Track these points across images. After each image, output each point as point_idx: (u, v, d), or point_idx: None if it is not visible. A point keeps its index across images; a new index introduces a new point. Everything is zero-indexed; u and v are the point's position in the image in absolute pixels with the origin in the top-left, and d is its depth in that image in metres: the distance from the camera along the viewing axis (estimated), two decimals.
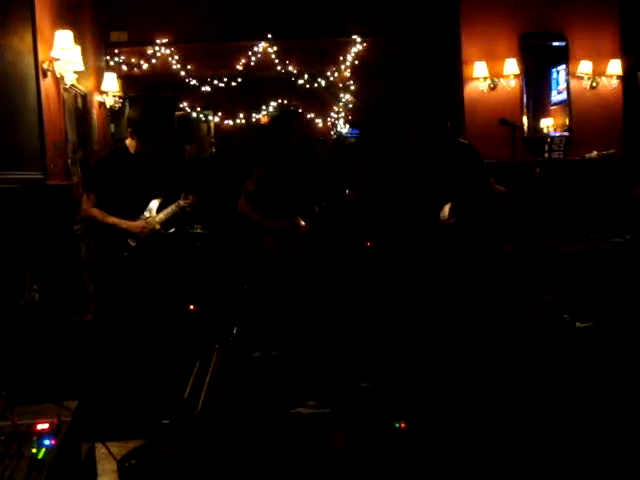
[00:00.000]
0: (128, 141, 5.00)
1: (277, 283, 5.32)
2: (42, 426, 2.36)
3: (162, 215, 4.99)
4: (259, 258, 5.50)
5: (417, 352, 5.20)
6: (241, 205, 5.42)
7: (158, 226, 4.94)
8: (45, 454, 2.18)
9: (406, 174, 5.32)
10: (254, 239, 5.43)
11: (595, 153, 7.81)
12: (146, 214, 4.97)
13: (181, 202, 5.10)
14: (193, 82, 9.35)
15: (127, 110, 8.07)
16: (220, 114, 11.28)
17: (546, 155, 8.02)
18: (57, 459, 2.19)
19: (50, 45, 5.76)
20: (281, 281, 5.26)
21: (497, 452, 3.78)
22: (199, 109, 11.07)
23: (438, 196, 5.12)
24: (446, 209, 5.06)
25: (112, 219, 4.84)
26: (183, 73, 8.90)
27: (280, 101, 11.07)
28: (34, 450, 2.19)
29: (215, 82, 9.49)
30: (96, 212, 4.87)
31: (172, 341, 5.01)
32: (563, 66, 8.04)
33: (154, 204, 5.02)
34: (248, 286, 5.57)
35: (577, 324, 5.34)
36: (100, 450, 3.12)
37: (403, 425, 4.16)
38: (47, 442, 2.25)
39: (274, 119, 6.10)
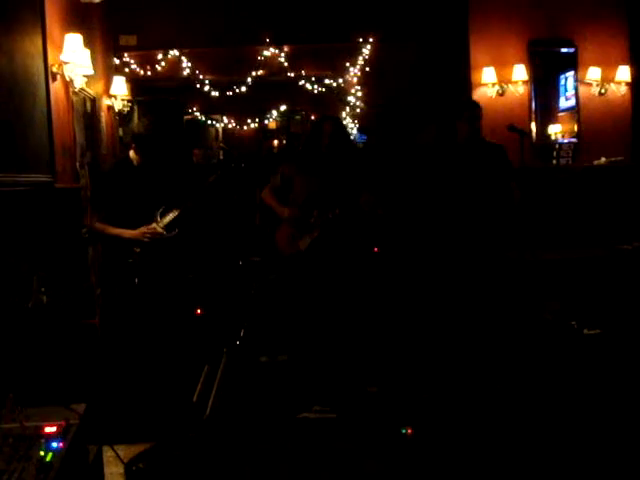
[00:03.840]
0: (132, 153, 5.02)
1: (285, 286, 5.31)
2: (50, 429, 2.36)
3: (165, 219, 5.00)
4: (269, 260, 5.50)
5: (424, 357, 5.19)
6: (266, 194, 5.38)
7: (161, 230, 4.94)
8: (53, 457, 2.19)
9: (438, 178, 5.35)
10: (268, 238, 5.40)
11: (603, 160, 7.80)
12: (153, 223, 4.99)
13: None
14: (202, 86, 9.37)
15: (135, 114, 8.10)
16: (229, 118, 11.31)
17: (554, 162, 8.01)
18: (65, 462, 2.20)
19: (60, 48, 5.78)
20: (289, 284, 5.26)
21: (504, 458, 3.77)
22: (208, 113, 11.11)
23: (472, 198, 5.14)
24: None
25: (114, 230, 4.87)
26: (192, 77, 8.92)
27: (288, 106, 11.10)
28: (42, 453, 2.20)
29: (224, 87, 9.52)
30: (99, 225, 4.91)
31: (179, 345, 5.01)
32: (572, 72, 8.03)
33: (159, 211, 5.03)
34: (255, 290, 5.57)
35: (585, 331, 5.32)
36: (108, 453, 3.12)
37: (409, 431, 4.15)
38: (55, 445, 2.25)
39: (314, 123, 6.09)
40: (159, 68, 8.83)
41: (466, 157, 5.38)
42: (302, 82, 9.34)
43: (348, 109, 9.76)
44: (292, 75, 9.15)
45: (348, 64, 9.14)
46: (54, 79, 5.68)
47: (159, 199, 5.02)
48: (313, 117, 10.82)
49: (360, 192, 5.22)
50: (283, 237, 5.25)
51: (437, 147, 5.27)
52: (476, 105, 5.65)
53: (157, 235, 4.91)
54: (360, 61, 9.06)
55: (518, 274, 5.38)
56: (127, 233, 4.86)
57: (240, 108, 11.27)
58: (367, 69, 9.13)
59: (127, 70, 8.69)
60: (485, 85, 7.90)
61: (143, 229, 4.88)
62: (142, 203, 4.93)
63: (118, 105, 8.10)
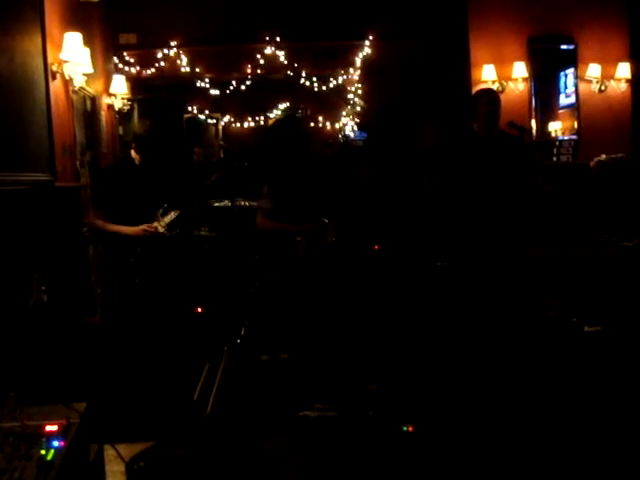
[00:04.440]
0: (133, 152, 5.03)
1: (288, 285, 5.32)
2: (51, 427, 2.36)
3: (166, 218, 5.00)
4: (269, 258, 5.51)
5: (424, 355, 5.19)
6: (260, 222, 5.41)
7: (163, 229, 4.94)
8: (54, 455, 2.19)
9: (459, 172, 5.26)
10: (288, 242, 5.41)
11: (604, 157, 7.79)
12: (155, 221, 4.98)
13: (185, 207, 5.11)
14: (202, 85, 9.37)
15: (135, 113, 8.09)
16: (229, 117, 11.30)
17: (554, 159, 8.00)
18: (66, 460, 2.20)
19: (59, 47, 5.77)
20: (293, 283, 5.26)
21: (505, 455, 3.77)
22: (208, 112, 11.10)
23: (496, 192, 5.08)
24: None
25: (114, 227, 4.87)
26: (192, 76, 8.91)
27: (288, 104, 11.09)
28: (43, 451, 2.20)
29: (224, 85, 9.51)
30: (99, 223, 4.92)
31: (180, 343, 5.01)
32: (572, 69, 8.03)
33: (160, 210, 5.03)
34: (256, 288, 5.57)
35: (585, 328, 5.32)
36: (109, 452, 3.12)
37: (411, 428, 4.15)
38: (56, 443, 2.25)
39: (278, 125, 6.06)
40: (159, 66, 8.82)
41: (488, 149, 5.23)
42: (303, 80, 9.33)
43: (349, 107, 9.76)
44: (293, 73, 9.13)
45: (348, 62, 9.13)
46: (54, 78, 5.67)
47: (160, 197, 5.02)
48: (309, 112, 10.81)
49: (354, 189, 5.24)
50: (301, 243, 5.30)
51: (442, 144, 5.16)
52: (493, 91, 5.49)
53: (157, 233, 4.91)
54: (360, 59, 9.04)
55: (520, 270, 5.37)
56: (126, 229, 4.86)
57: (241, 106, 11.27)
58: (367, 67, 9.11)
59: (127, 69, 8.68)
60: (485, 82, 7.88)
61: (144, 226, 4.88)
62: (143, 201, 4.94)
63: (118, 104, 8.09)
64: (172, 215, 5.01)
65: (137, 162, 5.00)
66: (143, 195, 4.94)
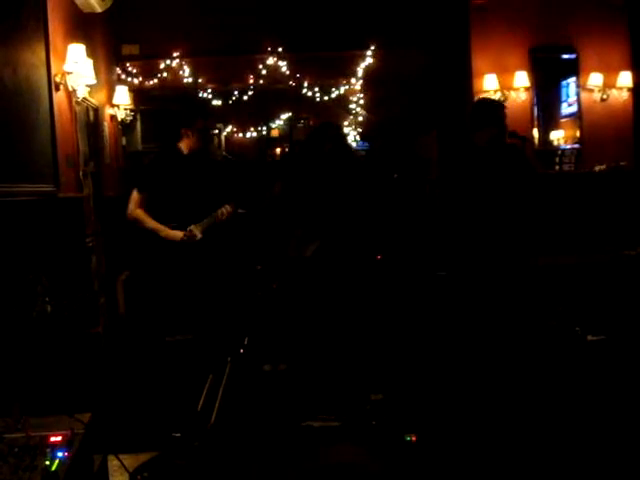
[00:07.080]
0: (181, 143, 4.97)
1: (289, 292, 5.32)
2: (55, 438, 2.37)
3: (203, 224, 4.92)
4: (272, 268, 5.50)
5: (428, 365, 5.19)
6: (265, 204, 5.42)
7: (200, 235, 4.89)
8: (58, 466, 2.19)
9: (463, 184, 5.23)
10: (278, 246, 5.40)
11: (605, 165, 7.80)
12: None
13: (224, 210, 5.01)
14: (205, 95, 9.40)
15: (138, 124, 8.13)
16: (231, 127, 11.32)
17: (557, 167, 8.02)
18: (70, 471, 2.20)
19: (62, 59, 5.80)
20: (293, 291, 5.26)
21: (508, 465, 3.76)
22: (210, 122, 11.11)
23: (500, 203, 5.06)
24: None
25: (153, 224, 4.80)
26: (194, 86, 8.94)
27: (291, 114, 11.12)
28: (47, 462, 2.20)
29: (226, 95, 9.54)
30: (140, 214, 4.82)
31: (184, 353, 5.00)
32: (573, 78, 8.05)
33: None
34: (259, 298, 5.57)
35: (589, 337, 5.32)
36: (112, 462, 3.12)
37: (414, 438, 4.15)
38: (60, 454, 2.26)
39: (314, 129, 6.03)
40: (162, 77, 8.85)
41: (494, 160, 5.17)
42: (305, 90, 9.36)
43: (351, 117, 9.78)
44: (295, 83, 9.16)
45: (350, 72, 9.15)
46: (57, 89, 5.69)
47: (203, 190, 4.95)
48: (311, 122, 10.86)
49: (363, 201, 5.22)
50: (291, 242, 5.30)
51: (449, 155, 5.13)
52: (501, 105, 5.39)
53: (194, 239, 4.85)
54: (362, 69, 9.07)
55: (524, 280, 5.37)
56: (164, 232, 4.78)
57: (243, 116, 11.31)
58: (369, 77, 9.14)
59: (130, 79, 8.72)
60: (487, 92, 7.89)
61: (180, 234, 4.82)
62: (187, 192, 4.87)
63: (121, 114, 8.12)
64: (209, 219, 4.93)
65: (186, 152, 4.95)
66: (187, 185, 4.87)
